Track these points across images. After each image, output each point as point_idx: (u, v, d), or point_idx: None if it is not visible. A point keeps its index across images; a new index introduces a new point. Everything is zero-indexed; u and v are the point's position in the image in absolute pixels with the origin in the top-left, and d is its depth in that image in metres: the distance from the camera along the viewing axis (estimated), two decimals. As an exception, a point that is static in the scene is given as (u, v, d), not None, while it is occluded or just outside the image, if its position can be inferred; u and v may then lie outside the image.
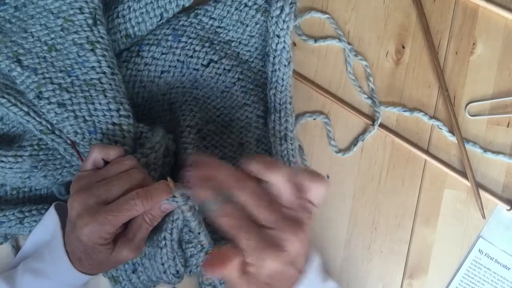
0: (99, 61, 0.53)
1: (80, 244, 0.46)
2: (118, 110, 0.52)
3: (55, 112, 0.52)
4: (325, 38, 0.62)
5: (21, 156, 0.55)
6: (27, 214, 0.56)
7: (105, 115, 0.52)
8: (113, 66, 0.53)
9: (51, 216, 0.52)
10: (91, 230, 0.44)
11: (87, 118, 0.51)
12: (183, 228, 0.52)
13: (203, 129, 0.60)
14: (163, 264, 0.52)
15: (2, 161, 0.54)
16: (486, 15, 0.61)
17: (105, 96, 0.52)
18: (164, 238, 0.51)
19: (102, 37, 0.53)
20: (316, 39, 0.62)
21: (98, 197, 0.45)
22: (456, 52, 0.61)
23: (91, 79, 0.52)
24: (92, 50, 0.53)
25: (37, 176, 0.56)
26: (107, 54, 0.53)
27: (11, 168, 0.54)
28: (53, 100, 0.51)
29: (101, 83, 0.52)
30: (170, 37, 0.58)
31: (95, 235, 0.45)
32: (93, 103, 0.52)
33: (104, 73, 0.52)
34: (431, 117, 0.61)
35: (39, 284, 0.49)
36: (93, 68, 0.52)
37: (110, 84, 0.52)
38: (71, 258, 0.48)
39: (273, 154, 0.60)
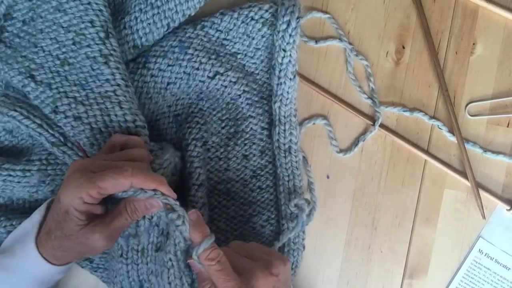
0: (113, 74, 0.54)
1: (57, 208, 0.46)
2: (134, 121, 0.53)
3: (71, 126, 0.53)
4: (325, 38, 0.62)
5: (29, 170, 0.56)
6: None
7: (121, 126, 0.53)
8: (126, 78, 0.55)
9: (39, 210, 0.52)
10: (74, 187, 0.44)
11: (103, 130, 0.53)
12: (189, 249, 0.54)
13: (208, 141, 0.62)
14: (169, 283, 0.53)
15: (10, 175, 0.56)
16: (486, 15, 0.62)
17: (121, 107, 0.53)
18: (170, 260, 0.53)
19: (114, 50, 0.55)
20: (317, 40, 0.62)
21: (94, 170, 0.46)
22: (456, 52, 0.62)
23: (106, 91, 0.54)
24: (105, 63, 0.54)
25: (45, 191, 0.58)
26: (120, 66, 0.55)
27: (19, 182, 0.56)
28: (69, 113, 0.53)
29: (116, 95, 0.54)
30: (176, 49, 0.59)
31: (76, 194, 0.44)
32: (108, 115, 0.53)
33: (118, 85, 0.54)
34: (431, 117, 0.62)
35: (9, 281, 0.49)
36: (107, 80, 0.54)
37: (125, 96, 0.54)
38: (41, 237, 0.48)
39: (277, 166, 0.62)
